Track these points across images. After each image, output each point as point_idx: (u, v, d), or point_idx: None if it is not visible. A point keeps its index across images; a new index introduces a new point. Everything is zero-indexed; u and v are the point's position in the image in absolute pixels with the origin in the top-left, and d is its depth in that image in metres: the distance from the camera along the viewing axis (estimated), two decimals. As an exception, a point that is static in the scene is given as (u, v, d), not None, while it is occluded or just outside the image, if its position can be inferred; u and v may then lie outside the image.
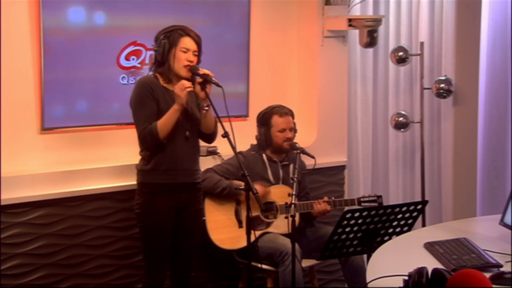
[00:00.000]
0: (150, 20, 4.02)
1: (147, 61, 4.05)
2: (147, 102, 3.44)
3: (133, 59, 4.04)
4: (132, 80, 4.03)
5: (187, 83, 3.37)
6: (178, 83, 3.42)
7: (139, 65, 4.05)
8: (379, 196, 4.03)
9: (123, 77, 4.03)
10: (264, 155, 4.10)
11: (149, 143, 3.43)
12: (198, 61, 3.49)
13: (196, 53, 3.48)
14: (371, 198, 4.00)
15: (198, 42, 3.49)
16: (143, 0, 4.05)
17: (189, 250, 3.65)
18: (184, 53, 3.44)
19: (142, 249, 3.63)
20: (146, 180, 3.52)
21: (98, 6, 3.91)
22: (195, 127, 3.53)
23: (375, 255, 2.76)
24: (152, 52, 3.58)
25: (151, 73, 3.56)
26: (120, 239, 4.02)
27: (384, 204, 4.06)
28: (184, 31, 3.46)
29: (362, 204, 3.97)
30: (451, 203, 4.73)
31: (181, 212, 3.56)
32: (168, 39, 3.44)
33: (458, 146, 4.69)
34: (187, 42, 3.45)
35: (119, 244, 4.02)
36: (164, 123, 3.39)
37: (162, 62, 3.47)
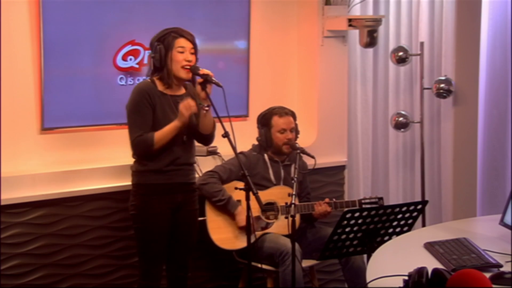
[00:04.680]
0: (149, 19, 4.02)
1: (145, 61, 4.04)
2: (143, 109, 3.44)
3: (130, 59, 4.03)
4: (130, 81, 4.02)
5: (193, 103, 3.37)
6: (178, 89, 3.47)
7: (137, 66, 4.04)
8: (380, 198, 4.01)
9: (121, 78, 4.03)
10: (265, 155, 4.10)
11: (141, 151, 3.44)
12: (196, 60, 3.50)
13: (193, 51, 3.48)
14: (372, 200, 3.99)
15: (192, 41, 3.49)
16: (143, 0, 4.05)
17: (184, 250, 3.64)
18: (181, 54, 3.44)
19: (137, 250, 3.62)
20: (141, 181, 3.52)
21: (98, 6, 3.90)
22: (192, 131, 3.53)
23: (375, 255, 2.76)
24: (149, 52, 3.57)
25: (146, 78, 3.58)
26: (120, 239, 4.02)
27: (384, 204, 4.05)
28: (177, 33, 3.47)
29: (363, 206, 3.96)
30: (451, 203, 4.73)
31: (176, 212, 3.56)
32: (163, 43, 3.44)
33: (458, 146, 4.69)
34: (182, 42, 3.45)
35: (119, 244, 4.02)
36: (162, 136, 3.40)
37: (160, 67, 3.47)
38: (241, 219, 3.69)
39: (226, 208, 3.93)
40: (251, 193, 3.31)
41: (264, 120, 4.08)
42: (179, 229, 3.59)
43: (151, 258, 3.55)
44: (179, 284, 3.67)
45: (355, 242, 3.40)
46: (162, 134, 3.40)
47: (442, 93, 4.60)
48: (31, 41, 3.78)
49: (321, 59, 4.64)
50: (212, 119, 3.48)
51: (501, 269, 2.43)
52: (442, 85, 4.59)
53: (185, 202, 3.58)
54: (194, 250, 3.74)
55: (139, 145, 3.42)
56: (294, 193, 3.56)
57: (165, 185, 3.50)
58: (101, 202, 3.94)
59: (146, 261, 3.56)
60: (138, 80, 4.01)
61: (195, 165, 3.67)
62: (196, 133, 3.55)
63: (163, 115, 3.44)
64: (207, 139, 3.60)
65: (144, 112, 3.44)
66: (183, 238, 3.61)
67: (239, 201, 3.93)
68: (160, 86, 3.49)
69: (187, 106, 3.37)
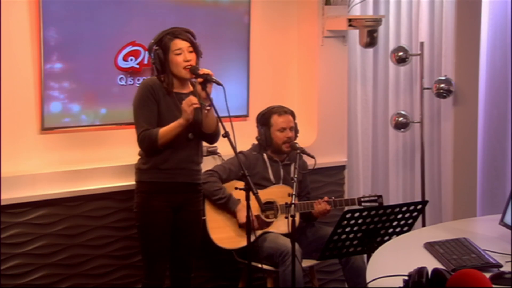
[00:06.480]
0: (150, 19, 4.02)
1: (145, 61, 4.04)
2: (148, 104, 3.45)
3: (131, 59, 4.03)
4: (130, 81, 4.03)
5: (195, 99, 3.38)
6: (184, 87, 3.47)
7: (137, 66, 4.04)
8: (380, 196, 4.02)
9: (121, 78, 4.03)
10: (265, 154, 4.10)
11: (146, 147, 3.45)
12: (197, 56, 3.50)
13: (191, 49, 3.48)
14: (371, 198, 4.00)
15: (189, 39, 3.48)
16: (143, 0, 4.04)
17: (188, 251, 3.65)
18: (179, 55, 3.45)
19: (140, 248, 3.63)
20: (143, 178, 3.53)
21: (97, 6, 3.90)
22: (197, 129, 3.53)
23: (375, 255, 2.76)
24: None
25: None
26: (120, 239, 4.02)
27: (384, 204, 4.06)
28: (173, 34, 3.47)
29: (363, 204, 3.97)
30: (451, 203, 4.73)
31: (178, 212, 3.56)
32: (160, 47, 3.45)
33: (458, 146, 4.69)
34: (178, 44, 3.45)
35: (119, 244, 4.02)
36: (166, 133, 3.41)
37: (163, 70, 3.48)
38: (242, 215, 3.67)
39: (226, 206, 3.93)
40: (251, 193, 3.31)
41: (264, 119, 4.08)
42: (182, 229, 3.59)
43: (152, 256, 3.55)
44: (182, 284, 3.67)
45: (355, 242, 3.40)
46: (166, 130, 3.41)
47: (442, 93, 4.60)
48: (31, 42, 3.78)
49: (321, 59, 4.64)
50: (214, 117, 3.48)
51: (501, 269, 2.43)
52: (442, 85, 4.59)
53: (187, 202, 3.57)
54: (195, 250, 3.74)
55: (144, 140, 3.43)
56: (294, 193, 3.56)
57: (165, 183, 3.50)
58: (101, 202, 3.94)
59: (148, 259, 3.57)
60: (138, 80, 4.02)
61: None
62: (200, 132, 3.55)
63: (168, 110, 3.45)
64: (210, 137, 3.60)
65: (149, 106, 3.45)
66: (186, 239, 3.61)
67: (238, 199, 3.93)
68: (165, 84, 3.50)
69: (188, 102, 3.37)
